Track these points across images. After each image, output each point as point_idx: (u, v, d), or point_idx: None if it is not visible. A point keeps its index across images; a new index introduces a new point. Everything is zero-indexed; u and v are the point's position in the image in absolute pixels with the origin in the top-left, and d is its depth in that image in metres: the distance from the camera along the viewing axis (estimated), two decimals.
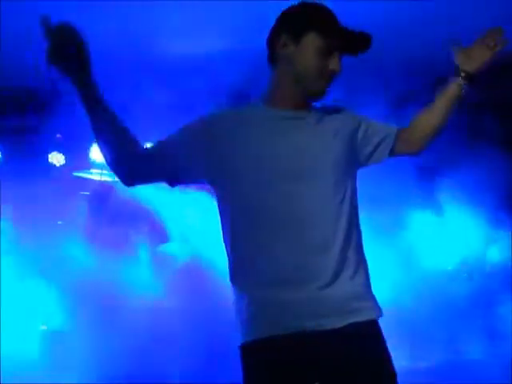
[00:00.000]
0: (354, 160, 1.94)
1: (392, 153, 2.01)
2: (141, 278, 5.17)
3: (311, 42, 1.83)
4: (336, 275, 1.76)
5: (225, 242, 1.88)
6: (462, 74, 1.99)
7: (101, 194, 5.61)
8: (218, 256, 5.12)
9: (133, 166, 1.83)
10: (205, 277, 5.00)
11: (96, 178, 5.73)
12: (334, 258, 1.77)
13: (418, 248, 5.30)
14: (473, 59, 1.99)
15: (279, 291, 1.73)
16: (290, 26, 1.87)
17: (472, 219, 5.23)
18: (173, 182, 1.89)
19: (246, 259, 1.81)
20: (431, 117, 2.03)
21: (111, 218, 5.26)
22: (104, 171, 5.61)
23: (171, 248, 5.72)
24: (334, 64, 1.84)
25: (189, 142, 1.83)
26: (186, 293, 4.92)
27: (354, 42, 1.85)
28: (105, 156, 1.81)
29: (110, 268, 4.97)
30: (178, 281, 5.16)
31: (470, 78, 1.99)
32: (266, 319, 1.75)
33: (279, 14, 1.92)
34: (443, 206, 5.35)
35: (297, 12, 1.89)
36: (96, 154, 5.65)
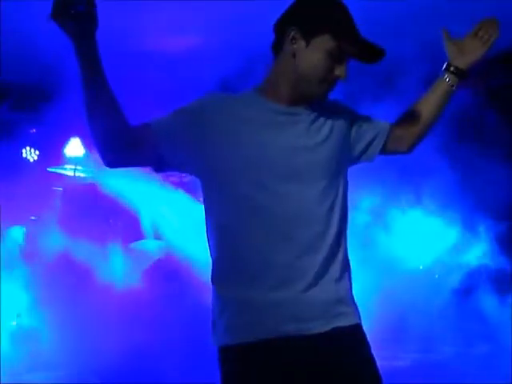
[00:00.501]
0: (346, 158, 1.85)
1: (383, 150, 1.93)
2: (114, 274, 5.13)
3: (323, 44, 1.71)
4: (320, 277, 1.70)
5: (209, 237, 1.79)
6: (452, 69, 1.92)
7: (75, 189, 5.56)
8: (193, 255, 5.17)
9: (121, 145, 1.69)
10: (179, 275, 4.98)
11: (70, 173, 5.66)
12: (320, 260, 1.71)
13: (394, 248, 5.30)
14: (465, 54, 1.92)
15: (264, 292, 1.67)
16: (303, 20, 1.73)
17: (448, 219, 5.26)
18: (158, 167, 1.77)
19: (231, 258, 1.73)
20: (422, 114, 1.96)
21: (85, 214, 5.22)
22: (78, 167, 5.57)
23: (145, 245, 5.69)
24: (340, 70, 1.73)
25: (180, 129, 1.72)
26: (159, 290, 4.89)
27: (366, 51, 1.73)
28: (94, 131, 1.65)
29: (83, 264, 4.94)
30: (151, 278, 5.13)
31: (461, 74, 1.92)
32: (248, 322, 1.68)
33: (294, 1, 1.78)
34: (419, 207, 5.36)
35: (313, 6, 1.74)
36: (70, 149, 5.60)
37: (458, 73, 1.92)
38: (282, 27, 1.75)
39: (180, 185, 5.54)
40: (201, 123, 1.71)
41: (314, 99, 1.78)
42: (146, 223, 5.64)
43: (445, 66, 1.94)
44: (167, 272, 5.17)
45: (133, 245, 5.61)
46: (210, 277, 1.77)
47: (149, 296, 4.84)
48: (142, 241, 5.71)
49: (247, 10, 4.47)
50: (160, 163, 1.74)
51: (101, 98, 1.61)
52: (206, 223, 1.79)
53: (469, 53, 1.92)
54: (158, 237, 5.65)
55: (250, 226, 1.70)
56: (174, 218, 5.52)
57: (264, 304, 1.67)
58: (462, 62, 1.92)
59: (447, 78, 1.92)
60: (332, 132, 1.81)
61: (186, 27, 4.80)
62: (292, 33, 1.71)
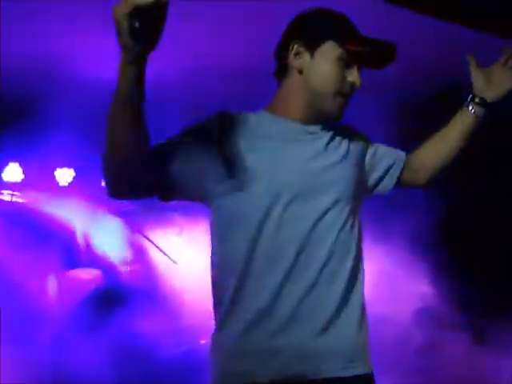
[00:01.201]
0: (361, 187, 1.74)
1: (400, 182, 1.83)
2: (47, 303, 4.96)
3: (329, 52, 1.64)
4: (337, 315, 1.59)
5: (217, 272, 1.64)
6: (478, 101, 1.81)
7: (11, 214, 5.39)
8: (134, 286, 5.07)
9: (138, 171, 1.52)
10: (116, 308, 4.86)
11: (7, 198, 5.50)
12: (337, 295, 1.60)
13: None
14: (493, 84, 1.81)
15: (268, 336, 1.56)
16: (304, 32, 1.67)
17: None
18: (167, 195, 1.62)
19: (239, 294, 1.58)
20: (443, 148, 1.86)
21: (20, 240, 5.06)
22: (15, 192, 5.42)
23: (82, 274, 5.54)
24: (353, 76, 1.65)
25: (194, 149, 1.57)
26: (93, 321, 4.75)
27: (376, 52, 1.64)
28: (115, 155, 1.47)
29: (15, 293, 4.75)
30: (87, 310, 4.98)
31: (486, 105, 1.81)
32: (251, 367, 1.57)
33: (291, 19, 1.73)
34: None
35: (312, 18, 1.69)
36: (7, 174, 5.46)
37: (484, 104, 1.82)
38: (283, 46, 1.68)
39: (120, 213, 5.46)
40: (215, 141, 1.58)
41: (331, 117, 1.68)
42: (83, 250, 5.50)
43: (470, 96, 1.84)
44: (103, 303, 5.03)
45: (68, 273, 5.44)
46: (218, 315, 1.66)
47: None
48: (78, 269, 5.56)
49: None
50: (171, 189, 1.60)
51: (132, 122, 1.44)
52: (216, 255, 1.66)
53: (498, 84, 1.81)
54: (95, 265, 5.50)
55: (261, 256, 1.58)
56: (111, 247, 5.42)
57: (278, 349, 1.56)
58: (490, 95, 1.81)
59: (472, 109, 1.82)
60: (348, 154, 1.71)
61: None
62: (295, 46, 1.65)
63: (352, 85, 1.66)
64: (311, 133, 1.68)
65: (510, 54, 1.81)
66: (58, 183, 5.77)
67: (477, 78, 1.83)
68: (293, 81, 1.69)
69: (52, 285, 5.15)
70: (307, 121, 1.69)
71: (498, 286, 4.66)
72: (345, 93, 1.66)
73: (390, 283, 4.57)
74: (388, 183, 1.84)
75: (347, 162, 1.70)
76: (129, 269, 5.24)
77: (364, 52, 1.63)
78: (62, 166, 5.83)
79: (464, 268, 4.78)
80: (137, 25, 1.28)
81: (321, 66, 1.65)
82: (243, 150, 1.60)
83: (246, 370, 1.57)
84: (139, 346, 4.54)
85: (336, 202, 1.63)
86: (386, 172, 1.83)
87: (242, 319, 1.58)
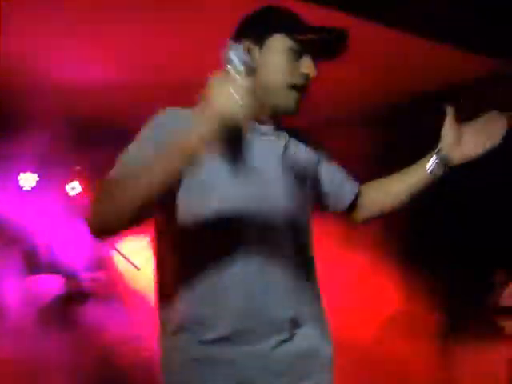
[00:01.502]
0: (310, 200, 1.70)
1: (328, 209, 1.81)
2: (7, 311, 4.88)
3: (277, 44, 1.59)
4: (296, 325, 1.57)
5: (173, 278, 1.56)
6: (441, 158, 1.71)
7: None
8: (96, 292, 5.02)
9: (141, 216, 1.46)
10: (78, 315, 4.81)
11: None
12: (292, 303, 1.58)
13: None
14: (463, 146, 1.70)
15: (233, 345, 1.51)
16: (251, 28, 1.63)
17: None
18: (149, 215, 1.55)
19: (201, 303, 1.52)
20: (386, 198, 1.81)
21: None
22: None
23: (42, 280, 5.47)
24: (306, 66, 1.59)
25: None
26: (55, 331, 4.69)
27: (328, 40, 1.59)
28: (127, 210, 1.40)
29: None
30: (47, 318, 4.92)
31: (446, 166, 1.72)
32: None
33: (240, 20, 1.67)
34: None
35: (259, 15, 1.65)
36: None
37: (446, 164, 1.72)
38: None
39: (82, 219, 5.40)
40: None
41: (287, 111, 1.63)
42: (44, 255, 5.43)
43: (436, 150, 1.74)
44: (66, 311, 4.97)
45: (29, 279, 5.36)
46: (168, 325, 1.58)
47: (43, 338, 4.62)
48: (40, 275, 5.49)
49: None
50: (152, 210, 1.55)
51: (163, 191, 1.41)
52: (172, 262, 1.58)
53: (468, 147, 1.70)
54: (57, 271, 5.44)
55: (217, 261, 1.52)
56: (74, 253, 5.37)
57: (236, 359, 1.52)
58: (456, 156, 1.71)
59: (432, 166, 1.73)
60: (304, 159, 1.69)
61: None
62: (244, 46, 1.58)
63: (306, 76, 1.60)
64: (263, 133, 1.64)
65: (490, 118, 1.71)
66: (21, 188, 5.74)
67: (448, 134, 1.73)
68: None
69: (14, 291, 5.08)
70: (261, 120, 1.64)
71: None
72: (298, 85, 1.60)
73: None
74: (339, 204, 1.82)
75: (304, 166, 1.70)
76: (91, 275, 5.20)
77: (314, 41, 1.59)
78: (25, 171, 5.80)
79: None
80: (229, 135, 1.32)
81: (270, 60, 1.60)
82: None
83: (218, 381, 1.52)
84: (101, 352, 4.51)
85: (292, 218, 1.62)
86: (335, 195, 1.81)
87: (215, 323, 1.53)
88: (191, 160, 1.36)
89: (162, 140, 1.46)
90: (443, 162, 1.72)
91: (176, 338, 1.56)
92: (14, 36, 4.04)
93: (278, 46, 1.59)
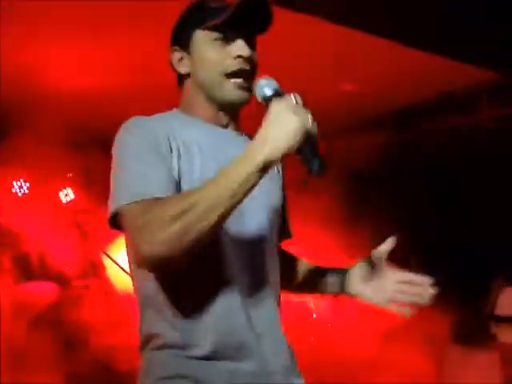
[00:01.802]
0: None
1: None
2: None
3: (199, 40, 1.60)
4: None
5: (156, 294, 1.52)
6: (343, 289, 1.73)
7: None
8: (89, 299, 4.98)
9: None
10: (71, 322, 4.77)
11: None
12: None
13: None
14: (369, 287, 1.69)
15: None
16: (174, 38, 1.66)
17: None
18: None
19: (185, 321, 1.50)
20: (304, 284, 1.85)
21: None
22: None
23: (35, 287, 5.43)
24: (237, 49, 1.56)
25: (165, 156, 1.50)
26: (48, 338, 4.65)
27: (247, 16, 1.55)
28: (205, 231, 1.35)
29: None
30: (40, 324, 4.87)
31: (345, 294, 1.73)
32: None
33: None
34: None
35: (178, 18, 1.66)
36: None
37: (344, 294, 1.75)
38: (170, 62, 1.66)
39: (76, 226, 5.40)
40: (166, 144, 1.52)
41: (232, 100, 1.60)
42: (38, 264, 5.39)
43: (343, 276, 1.74)
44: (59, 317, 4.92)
45: (22, 286, 5.32)
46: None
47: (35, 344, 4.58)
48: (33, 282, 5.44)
49: None
50: None
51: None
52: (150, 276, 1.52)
53: (373, 291, 1.68)
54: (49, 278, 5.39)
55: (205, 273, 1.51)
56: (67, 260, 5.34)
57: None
58: (356, 292, 1.71)
59: (334, 288, 1.77)
60: (273, 177, 1.74)
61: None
62: (174, 54, 1.63)
63: (240, 59, 1.57)
64: (230, 139, 1.64)
65: (412, 277, 1.66)
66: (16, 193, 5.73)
67: (363, 268, 1.71)
68: (187, 85, 1.65)
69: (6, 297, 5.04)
70: (217, 119, 1.64)
71: None
72: (235, 70, 1.57)
73: None
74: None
75: (273, 184, 1.73)
76: (84, 282, 5.17)
77: (231, 21, 1.55)
78: (18, 178, 5.79)
79: None
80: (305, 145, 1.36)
81: (198, 59, 1.59)
82: (180, 153, 1.54)
83: None
84: (96, 358, 4.49)
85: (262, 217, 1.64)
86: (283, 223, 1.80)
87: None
88: (257, 182, 1.35)
89: (153, 143, 1.48)
90: (342, 291, 1.73)
91: (161, 352, 1.52)
92: (7, 45, 4.05)
93: (199, 41, 1.59)
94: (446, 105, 5.21)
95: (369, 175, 5.54)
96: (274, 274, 1.64)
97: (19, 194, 5.96)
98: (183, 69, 1.64)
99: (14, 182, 5.94)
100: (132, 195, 1.42)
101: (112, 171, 1.52)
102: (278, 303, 1.65)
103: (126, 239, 1.57)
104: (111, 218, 1.47)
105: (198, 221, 1.32)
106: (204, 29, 1.59)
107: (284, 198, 1.79)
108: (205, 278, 1.51)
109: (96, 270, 5.32)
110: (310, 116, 1.34)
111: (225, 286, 1.51)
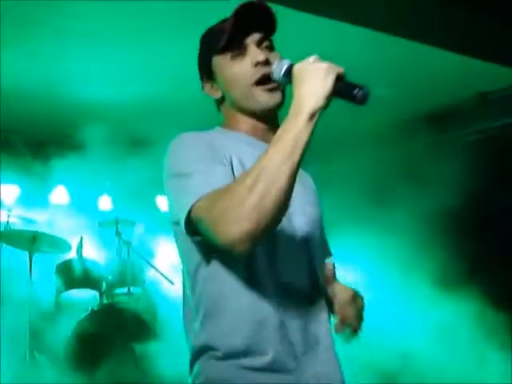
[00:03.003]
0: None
1: None
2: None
3: (219, 64, 1.67)
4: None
5: (212, 305, 1.56)
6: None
7: None
8: (131, 307, 5.02)
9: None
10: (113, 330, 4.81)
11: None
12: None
13: None
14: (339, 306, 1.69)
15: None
16: (200, 70, 1.75)
17: None
18: None
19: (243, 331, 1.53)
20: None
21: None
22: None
23: (78, 295, 5.49)
24: (253, 57, 1.63)
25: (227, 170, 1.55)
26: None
27: (249, 24, 1.62)
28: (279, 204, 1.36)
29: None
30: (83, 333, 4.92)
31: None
32: None
33: None
34: None
35: (198, 54, 1.77)
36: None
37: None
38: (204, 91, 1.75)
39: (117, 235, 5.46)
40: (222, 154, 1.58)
41: (267, 106, 1.65)
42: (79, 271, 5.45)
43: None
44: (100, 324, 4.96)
45: (65, 294, 5.38)
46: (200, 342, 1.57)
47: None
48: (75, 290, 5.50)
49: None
50: None
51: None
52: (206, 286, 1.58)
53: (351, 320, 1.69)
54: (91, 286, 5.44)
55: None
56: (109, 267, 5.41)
57: None
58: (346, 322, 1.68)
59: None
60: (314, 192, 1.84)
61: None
62: (205, 85, 1.74)
63: (257, 65, 1.62)
64: None
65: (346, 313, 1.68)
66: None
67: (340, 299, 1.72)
68: (225, 108, 1.74)
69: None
70: (261, 133, 1.70)
71: None
72: (258, 79, 1.63)
73: None
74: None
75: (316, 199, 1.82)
76: (126, 290, 5.21)
77: (234, 36, 1.62)
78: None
79: None
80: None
81: (223, 80, 1.68)
82: (236, 165, 1.59)
83: None
84: (139, 365, 4.52)
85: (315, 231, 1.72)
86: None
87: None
88: (313, 129, 1.40)
89: (210, 150, 1.54)
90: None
91: (219, 363, 1.53)
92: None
93: (219, 66, 1.67)
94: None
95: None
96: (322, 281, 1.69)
97: (61, 202, 6.07)
98: (216, 94, 1.72)
99: (56, 190, 6.05)
100: (197, 193, 1.44)
101: (170, 183, 1.57)
102: (328, 312, 1.69)
103: (182, 248, 1.64)
104: (186, 224, 1.47)
105: (271, 185, 1.33)
106: (217, 54, 1.66)
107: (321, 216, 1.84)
108: (264, 290, 1.54)
109: (138, 277, 5.36)
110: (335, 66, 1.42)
111: (283, 297, 1.55)
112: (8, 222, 5.32)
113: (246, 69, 1.63)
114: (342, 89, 1.42)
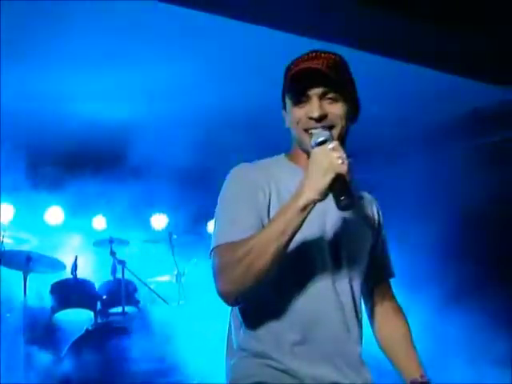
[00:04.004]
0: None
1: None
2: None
3: (288, 103, 1.86)
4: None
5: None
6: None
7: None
8: (126, 327, 4.98)
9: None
10: (108, 350, 4.79)
11: None
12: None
13: None
14: None
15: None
16: (282, 99, 1.92)
17: None
18: None
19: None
20: (388, 345, 2.03)
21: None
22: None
23: (72, 315, 5.46)
24: (309, 111, 1.78)
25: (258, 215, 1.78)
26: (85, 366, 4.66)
27: (305, 79, 1.78)
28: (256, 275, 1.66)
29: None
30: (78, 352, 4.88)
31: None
32: None
33: None
34: None
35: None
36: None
37: None
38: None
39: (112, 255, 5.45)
40: (262, 192, 1.80)
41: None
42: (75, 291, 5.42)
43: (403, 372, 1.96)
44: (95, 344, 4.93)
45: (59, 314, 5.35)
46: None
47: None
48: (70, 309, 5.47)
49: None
50: None
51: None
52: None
53: None
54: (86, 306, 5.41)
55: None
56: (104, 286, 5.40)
57: None
58: None
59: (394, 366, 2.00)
60: (367, 224, 1.99)
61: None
62: (283, 112, 1.93)
63: (311, 118, 1.79)
64: None
65: None
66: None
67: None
68: (292, 140, 1.94)
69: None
70: None
71: None
72: (309, 127, 1.80)
73: None
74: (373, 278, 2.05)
75: (367, 231, 1.97)
76: (121, 309, 5.20)
77: (299, 86, 1.79)
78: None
79: None
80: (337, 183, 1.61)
81: (289, 118, 1.88)
82: (280, 200, 1.79)
83: None
84: None
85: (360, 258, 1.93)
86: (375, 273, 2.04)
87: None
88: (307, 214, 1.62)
89: (250, 192, 1.79)
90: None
91: (246, 360, 1.79)
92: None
93: (288, 105, 1.87)
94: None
95: None
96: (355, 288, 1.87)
97: (55, 222, 6.07)
98: (287, 124, 1.91)
99: (49, 209, 6.05)
100: (221, 239, 1.74)
101: (216, 211, 1.84)
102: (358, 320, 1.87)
103: None
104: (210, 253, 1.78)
105: (257, 260, 1.62)
106: (290, 92, 1.84)
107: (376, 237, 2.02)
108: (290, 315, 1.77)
109: (132, 297, 5.35)
110: (341, 158, 1.60)
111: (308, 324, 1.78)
112: (2, 242, 5.30)
113: (303, 118, 1.81)
114: (334, 190, 1.60)
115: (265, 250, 1.61)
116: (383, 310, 2.04)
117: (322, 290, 1.78)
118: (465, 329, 4.66)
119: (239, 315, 1.82)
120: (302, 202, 1.60)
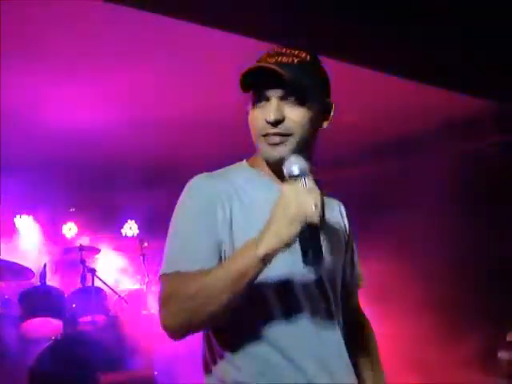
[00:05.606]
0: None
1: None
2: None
3: (249, 103, 1.68)
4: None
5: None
6: None
7: None
8: (94, 335, 4.92)
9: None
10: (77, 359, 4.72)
11: None
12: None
13: None
14: None
15: None
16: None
17: None
18: None
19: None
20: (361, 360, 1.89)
21: None
22: None
23: (40, 324, 5.37)
24: (263, 113, 1.61)
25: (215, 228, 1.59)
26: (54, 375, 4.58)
27: (262, 78, 1.60)
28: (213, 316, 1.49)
29: None
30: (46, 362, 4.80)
31: None
32: None
33: None
34: None
35: None
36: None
37: None
38: None
39: (82, 262, 5.40)
40: (222, 208, 1.60)
41: (268, 158, 1.65)
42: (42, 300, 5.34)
43: None
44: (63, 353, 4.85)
45: (27, 323, 5.25)
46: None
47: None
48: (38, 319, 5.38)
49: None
50: None
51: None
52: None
53: None
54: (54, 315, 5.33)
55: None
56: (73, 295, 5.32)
57: None
58: None
59: None
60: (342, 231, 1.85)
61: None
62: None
63: (267, 122, 1.60)
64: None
65: None
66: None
67: None
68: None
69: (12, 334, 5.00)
70: (271, 175, 1.71)
71: None
72: (262, 134, 1.62)
73: None
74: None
75: (340, 236, 1.83)
76: (89, 318, 5.14)
77: (257, 87, 1.62)
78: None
79: None
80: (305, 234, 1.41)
81: (249, 121, 1.69)
82: (245, 213, 1.62)
83: None
84: None
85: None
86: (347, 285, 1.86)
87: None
88: (261, 270, 1.44)
89: (207, 211, 1.59)
90: None
91: None
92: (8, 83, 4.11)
93: (250, 104, 1.67)
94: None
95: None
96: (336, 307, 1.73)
97: (24, 229, 6.00)
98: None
99: (17, 217, 5.98)
100: (170, 267, 1.57)
101: (169, 228, 1.63)
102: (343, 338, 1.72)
103: None
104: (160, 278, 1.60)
105: (207, 304, 1.46)
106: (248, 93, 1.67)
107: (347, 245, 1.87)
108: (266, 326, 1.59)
109: (102, 306, 5.28)
110: (314, 201, 1.40)
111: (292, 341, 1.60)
112: None
113: (260, 121, 1.62)
114: (300, 241, 1.42)
115: (219, 293, 1.44)
116: (350, 321, 1.84)
117: (306, 311, 1.62)
118: None
119: (212, 337, 1.65)
120: (262, 250, 1.40)
